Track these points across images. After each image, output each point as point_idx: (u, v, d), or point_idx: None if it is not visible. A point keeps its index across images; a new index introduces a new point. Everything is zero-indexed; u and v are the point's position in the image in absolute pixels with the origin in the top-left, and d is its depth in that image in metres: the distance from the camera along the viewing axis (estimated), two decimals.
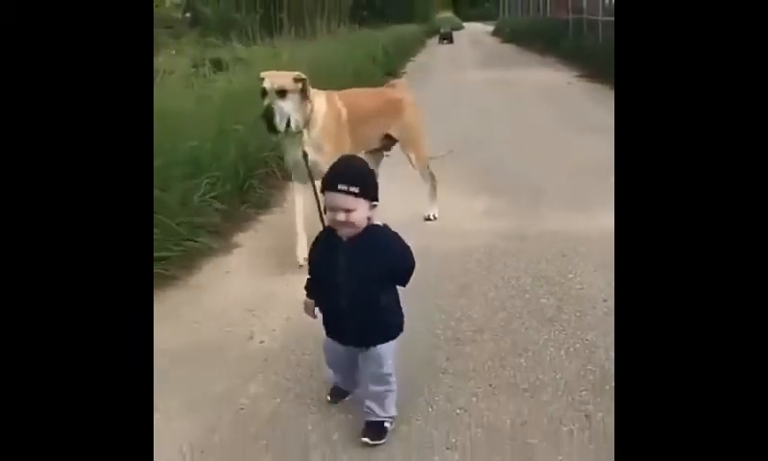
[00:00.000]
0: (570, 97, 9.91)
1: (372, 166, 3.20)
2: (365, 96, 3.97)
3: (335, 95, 3.59)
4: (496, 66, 15.93)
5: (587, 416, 2.11)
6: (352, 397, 2.22)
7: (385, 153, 4.07)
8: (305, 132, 3.33)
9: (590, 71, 11.92)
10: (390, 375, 2.03)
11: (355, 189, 1.88)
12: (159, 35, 9.39)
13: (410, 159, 4.04)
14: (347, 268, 1.93)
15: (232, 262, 3.70)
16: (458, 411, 2.18)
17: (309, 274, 2.12)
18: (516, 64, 16.28)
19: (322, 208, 2.55)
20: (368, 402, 2.05)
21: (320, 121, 3.39)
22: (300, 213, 3.49)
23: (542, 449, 1.97)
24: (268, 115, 3.20)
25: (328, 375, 2.26)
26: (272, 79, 3.25)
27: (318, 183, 3.11)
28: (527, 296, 3.03)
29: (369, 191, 1.92)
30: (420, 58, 20.23)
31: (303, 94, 3.28)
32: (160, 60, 8.49)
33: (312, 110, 3.35)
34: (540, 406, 2.19)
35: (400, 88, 4.36)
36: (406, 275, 2.02)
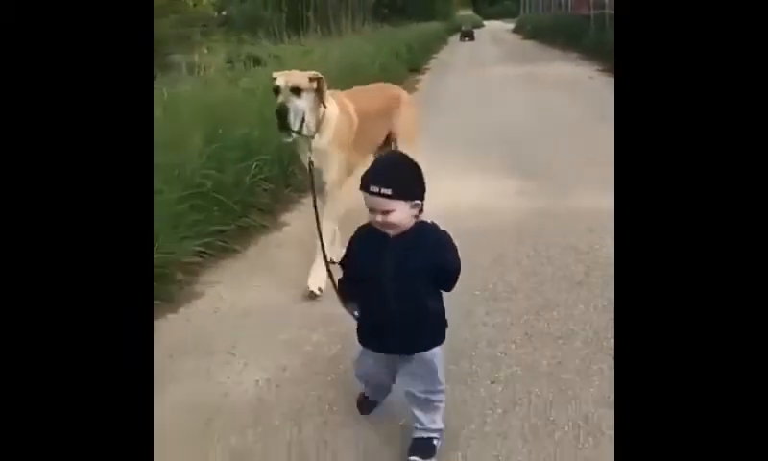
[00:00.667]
0: (593, 90, 10.11)
1: None
2: (370, 94, 3.69)
3: (343, 96, 3.36)
4: (519, 62, 16.12)
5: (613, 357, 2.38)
6: (382, 406, 2.15)
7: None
8: (315, 137, 3.07)
9: (612, 66, 12.08)
10: (440, 382, 1.94)
11: (387, 191, 1.76)
12: (194, 32, 9.78)
13: None
14: (393, 266, 1.80)
15: (283, 238, 4.01)
16: (498, 354, 2.47)
17: (346, 274, 1.97)
18: (538, 60, 16.46)
19: (320, 228, 2.66)
20: (415, 412, 1.94)
21: (332, 127, 3.15)
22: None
23: (576, 383, 2.25)
24: (282, 112, 2.94)
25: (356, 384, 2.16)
26: (286, 77, 3.03)
27: (325, 194, 3.04)
28: (557, 263, 3.31)
29: (406, 192, 1.79)
30: (443, 54, 20.48)
31: (319, 95, 3.05)
32: (195, 57, 8.95)
33: (324, 115, 3.10)
34: (572, 351, 2.46)
35: (397, 87, 4.08)
36: (452, 276, 1.89)
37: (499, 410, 2.13)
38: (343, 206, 3.24)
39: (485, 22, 54.46)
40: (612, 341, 2.50)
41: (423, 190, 1.84)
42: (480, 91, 10.84)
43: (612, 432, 1.96)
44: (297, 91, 2.98)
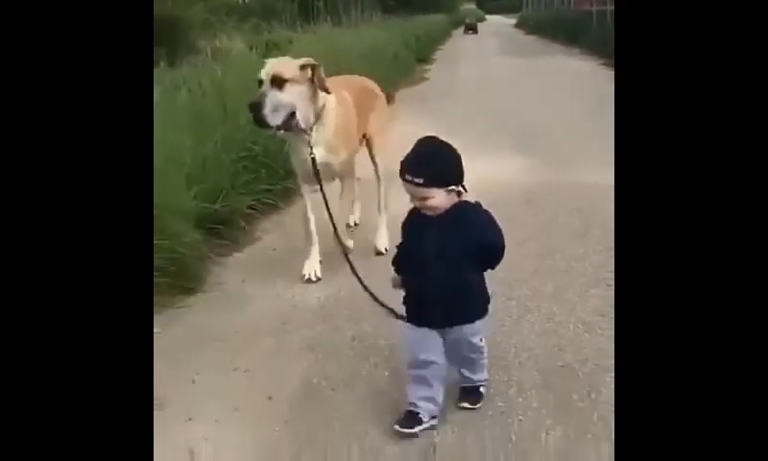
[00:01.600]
0: (594, 81, 10.63)
1: None
2: (354, 85, 3.49)
3: (334, 83, 3.14)
4: (523, 55, 16.66)
5: (608, 285, 2.94)
6: (428, 427, 1.99)
7: None
8: (314, 130, 2.93)
9: (613, 60, 12.58)
10: (481, 346, 2.05)
11: (419, 180, 1.86)
12: (217, 20, 10.33)
13: (372, 156, 3.57)
14: (434, 243, 1.92)
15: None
16: (512, 281, 3.02)
17: (398, 253, 2.11)
18: (541, 54, 16.98)
19: (331, 212, 2.85)
20: (461, 369, 2.08)
21: (332, 118, 3.00)
22: (312, 221, 3.20)
23: (577, 302, 2.82)
24: (254, 107, 2.75)
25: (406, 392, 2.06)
26: (270, 67, 2.84)
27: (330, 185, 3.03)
28: (561, 221, 3.87)
29: (439, 179, 1.88)
30: (448, 46, 21.03)
31: (313, 84, 2.87)
32: (217, 43, 9.54)
33: (324, 106, 2.95)
34: (573, 279, 3.04)
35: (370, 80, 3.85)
36: (495, 254, 1.98)
37: (514, 317, 2.71)
38: (353, 190, 3.52)
39: (487, 16, 54.89)
40: (608, 274, 3.05)
41: (459, 174, 1.93)
42: (486, 81, 11.39)
43: (605, 331, 2.52)
44: (279, 82, 2.78)
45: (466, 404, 2.09)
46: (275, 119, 2.79)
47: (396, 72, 9.60)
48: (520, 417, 2.06)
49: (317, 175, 2.95)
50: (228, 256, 3.46)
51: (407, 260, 2.04)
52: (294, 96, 2.82)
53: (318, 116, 2.94)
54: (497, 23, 42.13)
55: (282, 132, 2.88)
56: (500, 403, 2.12)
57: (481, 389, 2.11)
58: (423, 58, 14.52)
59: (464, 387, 2.11)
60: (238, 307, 2.88)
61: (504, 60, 15.48)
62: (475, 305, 2.02)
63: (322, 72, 2.90)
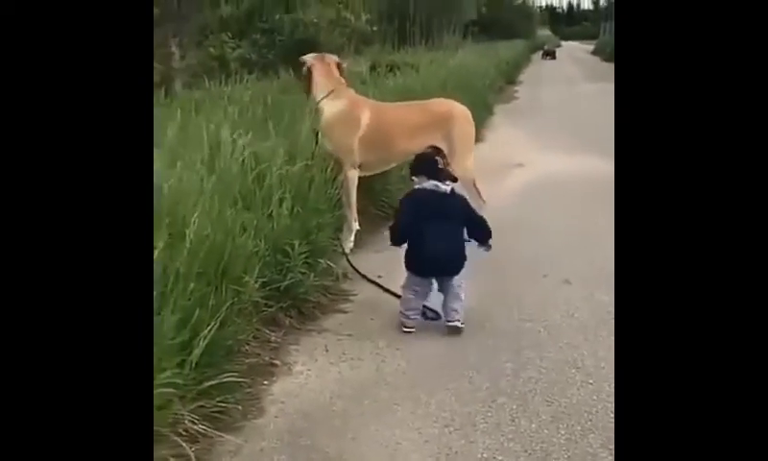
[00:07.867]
0: None
1: None
2: (403, 110, 4.29)
3: (368, 103, 4.09)
4: (601, 81, 17.93)
5: None
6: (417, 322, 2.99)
7: None
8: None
9: None
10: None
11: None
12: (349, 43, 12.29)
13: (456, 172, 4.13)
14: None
15: None
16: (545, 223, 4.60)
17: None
18: None
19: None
20: (454, 305, 2.90)
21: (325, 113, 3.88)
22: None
23: (587, 227, 4.30)
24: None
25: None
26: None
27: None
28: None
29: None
30: (530, 70, 22.58)
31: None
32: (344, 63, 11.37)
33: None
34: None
35: (451, 102, 4.45)
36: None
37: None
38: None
39: (562, 42, 55.55)
40: None
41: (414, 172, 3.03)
42: (569, 101, 12.93)
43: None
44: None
45: (455, 326, 2.90)
46: None
47: (492, 92, 11.29)
48: None
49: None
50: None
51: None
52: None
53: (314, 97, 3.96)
54: (573, 49, 42.97)
55: None
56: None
57: (460, 325, 2.89)
58: (511, 80, 16.12)
59: (448, 326, 2.91)
60: None
61: (585, 85, 16.90)
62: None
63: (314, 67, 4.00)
